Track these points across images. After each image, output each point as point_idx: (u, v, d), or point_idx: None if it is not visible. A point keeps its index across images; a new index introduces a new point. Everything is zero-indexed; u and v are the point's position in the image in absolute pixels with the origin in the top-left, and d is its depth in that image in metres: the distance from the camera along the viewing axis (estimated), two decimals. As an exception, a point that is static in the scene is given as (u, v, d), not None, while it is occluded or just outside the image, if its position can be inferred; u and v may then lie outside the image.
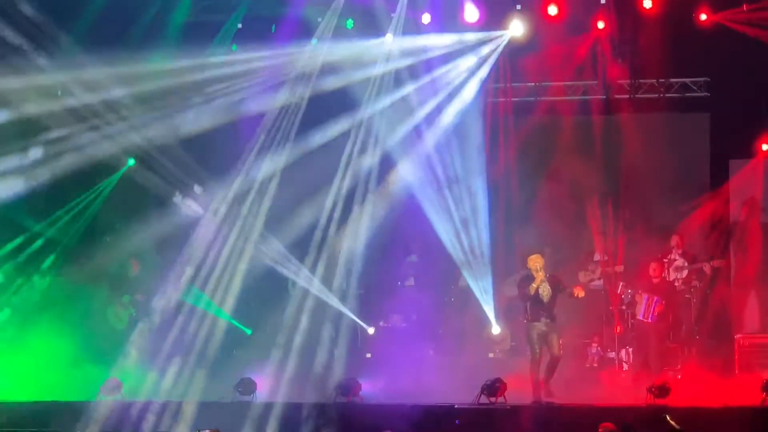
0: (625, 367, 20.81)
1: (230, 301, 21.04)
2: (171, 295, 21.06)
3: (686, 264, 21.16)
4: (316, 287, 21.19)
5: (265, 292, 22.28)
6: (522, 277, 18.75)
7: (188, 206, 21.89)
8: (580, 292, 18.39)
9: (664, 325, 20.55)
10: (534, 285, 18.26)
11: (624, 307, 21.03)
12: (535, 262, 18.37)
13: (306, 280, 21.29)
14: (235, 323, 21.96)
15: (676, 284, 21.12)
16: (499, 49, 21.87)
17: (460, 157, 21.99)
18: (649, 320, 20.40)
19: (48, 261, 21.91)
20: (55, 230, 21.96)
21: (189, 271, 21.06)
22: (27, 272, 21.75)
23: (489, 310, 21.30)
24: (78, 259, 21.87)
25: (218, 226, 21.36)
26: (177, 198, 21.87)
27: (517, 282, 19.09)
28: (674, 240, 21.25)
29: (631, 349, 20.81)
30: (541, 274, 18.28)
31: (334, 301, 21.20)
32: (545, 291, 18.27)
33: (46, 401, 18.71)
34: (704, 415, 16.58)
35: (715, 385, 18.57)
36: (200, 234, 21.30)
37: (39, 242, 21.87)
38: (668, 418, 13.43)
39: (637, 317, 20.50)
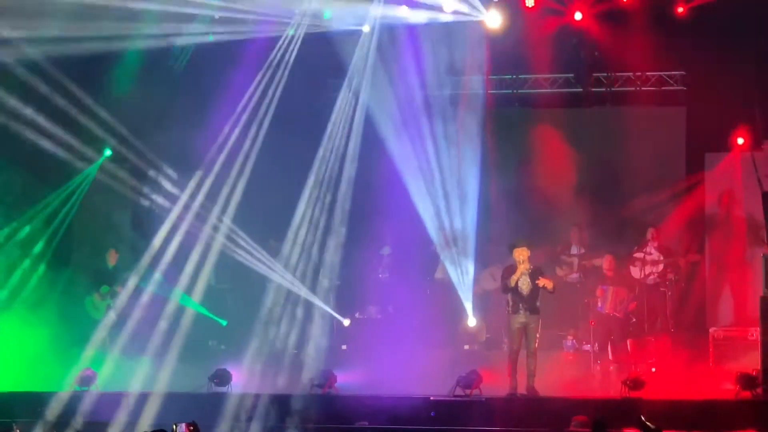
0: (600, 359, 20.82)
1: (200, 292, 20.98)
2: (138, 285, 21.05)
3: (662, 257, 21.21)
4: (288, 280, 21.15)
5: (241, 284, 22.26)
6: (506, 267, 18.67)
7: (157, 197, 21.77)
8: (547, 284, 18.35)
9: (627, 320, 20.64)
10: (514, 277, 18.21)
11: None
12: (520, 254, 18.30)
13: (278, 273, 21.27)
14: (209, 314, 21.93)
15: (651, 278, 21.17)
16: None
17: (438, 147, 22.00)
18: (619, 315, 20.46)
19: (33, 250, 21.80)
20: (35, 223, 21.84)
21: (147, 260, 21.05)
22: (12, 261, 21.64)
23: (467, 301, 21.29)
24: (58, 251, 21.85)
25: (186, 215, 21.31)
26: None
27: (500, 273, 19.05)
28: (650, 233, 21.27)
29: (597, 343, 20.80)
30: (522, 266, 18.26)
31: (307, 293, 21.16)
32: (525, 284, 18.19)
33: (14, 391, 18.62)
34: (678, 408, 16.63)
35: (690, 378, 18.63)
36: (169, 223, 21.27)
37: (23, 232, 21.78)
38: (642, 418, 13.40)
39: (600, 311, 20.51)
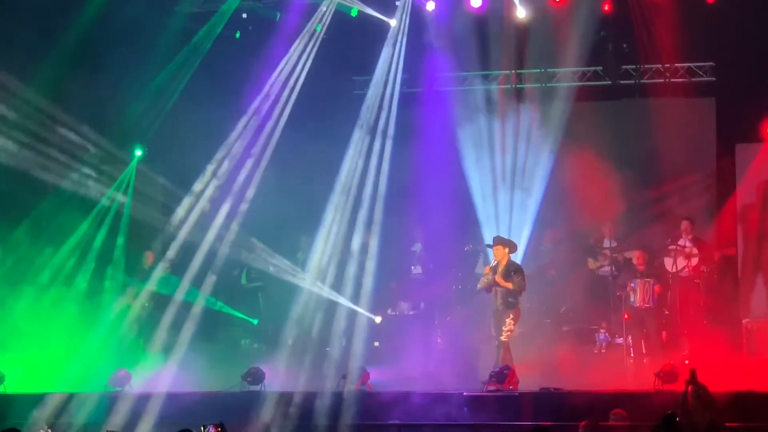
0: (633, 352, 20.77)
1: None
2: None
3: (695, 250, 21.08)
4: (319, 279, 21.16)
5: (272, 282, 22.25)
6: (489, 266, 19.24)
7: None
8: (506, 285, 18.77)
9: (660, 311, 20.56)
10: (483, 279, 19.02)
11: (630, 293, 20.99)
12: (494, 253, 18.98)
13: (309, 274, 21.31)
14: (239, 314, 21.97)
15: (685, 270, 21.04)
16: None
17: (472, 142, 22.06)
18: (650, 305, 20.39)
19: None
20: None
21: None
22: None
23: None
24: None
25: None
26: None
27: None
28: (684, 225, 21.13)
29: (630, 337, 20.73)
30: (488, 268, 18.86)
31: (338, 292, 21.15)
32: (482, 283, 18.92)
33: (45, 393, 18.61)
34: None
35: (723, 370, 18.50)
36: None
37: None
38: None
39: (634, 305, 20.45)
